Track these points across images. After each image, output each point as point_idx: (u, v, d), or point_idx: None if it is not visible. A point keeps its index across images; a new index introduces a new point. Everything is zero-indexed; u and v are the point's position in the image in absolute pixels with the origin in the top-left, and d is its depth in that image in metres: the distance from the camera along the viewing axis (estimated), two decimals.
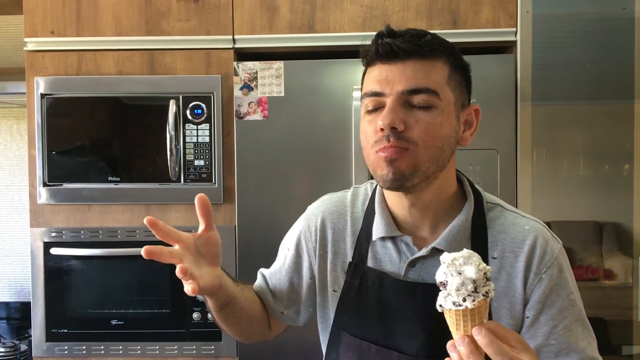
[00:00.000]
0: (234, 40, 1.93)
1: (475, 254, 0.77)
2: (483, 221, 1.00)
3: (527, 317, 0.96)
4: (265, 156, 1.88)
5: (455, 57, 0.96)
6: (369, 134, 0.94)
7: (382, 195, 1.05)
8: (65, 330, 1.97)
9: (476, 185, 1.05)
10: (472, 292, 0.74)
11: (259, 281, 1.18)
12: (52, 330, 1.97)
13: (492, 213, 1.01)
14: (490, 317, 0.94)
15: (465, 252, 0.77)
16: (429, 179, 0.95)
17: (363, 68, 1.00)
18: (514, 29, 1.87)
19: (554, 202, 2.07)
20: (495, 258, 0.97)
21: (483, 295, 0.74)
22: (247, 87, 1.86)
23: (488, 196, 1.05)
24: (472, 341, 0.74)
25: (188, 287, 0.85)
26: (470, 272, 0.74)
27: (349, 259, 1.05)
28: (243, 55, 1.97)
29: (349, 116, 1.83)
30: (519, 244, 0.97)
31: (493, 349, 0.72)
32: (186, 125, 1.91)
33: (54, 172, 1.95)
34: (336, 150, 1.85)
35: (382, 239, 1.02)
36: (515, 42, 1.88)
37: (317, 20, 1.91)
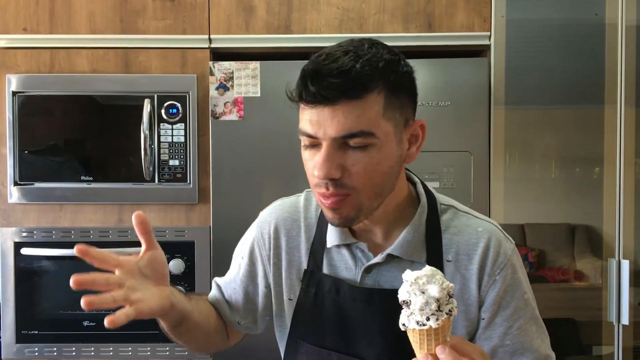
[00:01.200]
0: (209, 40, 1.92)
1: (439, 271, 0.76)
2: (437, 224, 0.99)
3: (483, 319, 0.96)
4: (241, 156, 1.87)
5: (393, 76, 0.88)
6: (309, 171, 0.91)
7: None
8: (36, 332, 1.93)
9: (429, 187, 1.03)
10: (436, 311, 0.73)
11: (213, 291, 1.15)
12: (23, 332, 1.93)
13: (446, 215, 1.00)
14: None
15: (429, 270, 0.76)
16: (375, 210, 0.93)
17: None
18: (488, 33, 1.89)
19: (526, 205, 2.10)
20: (449, 261, 0.97)
21: (447, 313, 0.74)
22: (223, 87, 1.86)
23: (441, 197, 1.03)
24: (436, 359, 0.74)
25: (108, 319, 0.78)
26: (434, 291, 0.73)
27: (304, 266, 1.04)
28: (219, 55, 1.96)
29: None
30: (472, 246, 0.97)
31: None
32: (161, 124, 1.89)
33: (26, 171, 1.92)
34: None
35: (337, 246, 1.01)
36: (489, 46, 1.90)
37: (294, 21, 1.92)
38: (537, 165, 1.99)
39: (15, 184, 1.91)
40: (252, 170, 1.88)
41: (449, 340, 0.75)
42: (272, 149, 1.87)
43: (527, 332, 0.96)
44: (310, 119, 0.87)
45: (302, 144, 0.92)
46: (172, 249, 1.91)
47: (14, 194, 1.91)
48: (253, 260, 1.09)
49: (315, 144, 0.89)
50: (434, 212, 1.00)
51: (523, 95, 1.94)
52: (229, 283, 1.13)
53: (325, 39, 1.90)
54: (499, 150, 1.88)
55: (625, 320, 1.92)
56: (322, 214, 1.05)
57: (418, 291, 0.74)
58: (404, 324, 0.76)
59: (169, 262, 1.90)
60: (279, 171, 1.87)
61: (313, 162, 0.89)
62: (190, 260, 1.92)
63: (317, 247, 1.03)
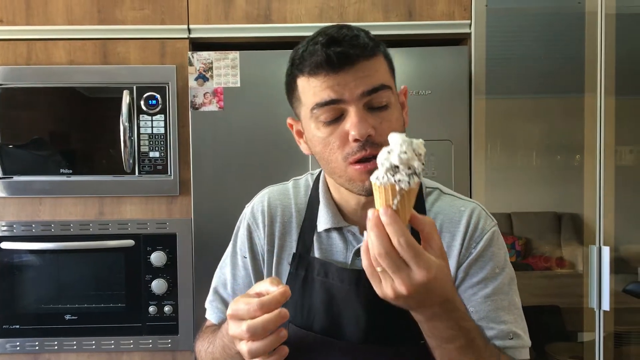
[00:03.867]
0: (189, 30, 1.90)
1: (421, 150, 0.76)
2: (422, 206, 1.01)
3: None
4: (221, 147, 1.86)
5: (384, 47, 0.95)
6: (334, 146, 0.91)
7: (327, 186, 1.04)
8: (17, 326, 1.92)
9: None
10: (408, 174, 0.74)
11: (218, 313, 1.10)
12: (4, 327, 1.92)
13: (431, 197, 1.03)
14: None
15: (415, 143, 0.75)
16: None
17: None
18: (469, 22, 1.89)
19: (508, 193, 2.10)
20: None
21: (415, 174, 0.74)
22: (202, 78, 1.84)
23: (426, 181, 1.07)
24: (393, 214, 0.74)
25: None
26: (407, 156, 0.74)
27: (294, 250, 1.04)
28: (198, 45, 1.95)
29: None
30: (455, 224, 0.99)
31: (392, 228, 0.72)
32: (140, 116, 1.88)
33: (4, 164, 1.89)
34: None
35: (327, 230, 1.02)
36: (469, 35, 1.89)
37: (274, 10, 1.90)
38: (518, 154, 2.00)
39: None
40: (233, 162, 1.86)
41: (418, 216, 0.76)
42: (252, 140, 1.86)
43: (496, 304, 0.96)
44: (331, 84, 0.89)
45: (318, 122, 0.92)
46: (153, 241, 1.90)
47: None
48: (255, 254, 1.08)
49: (337, 115, 0.90)
50: (419, 194, 1.01)
51: (504, 84, 1.95)
52: (238, 292, 1.08)
53: (306, 28, 1.89)
54: (480, 139, 1.88)
55: (605, 306, 1.93)
56: (311, 198, 1.06)
57: (402, 153, 0.74)
58: (377, 178, 0.75)
59: (150, 255, 1.89)
60: (260, 162, 1.86)
61: (339, 135, 0.90)
62: (172, 252, 1.90)
63: (307, 230, 1.04)
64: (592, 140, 1.91)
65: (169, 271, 1.90)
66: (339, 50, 0.87)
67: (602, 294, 1.93)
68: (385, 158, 0.75)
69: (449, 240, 0.99)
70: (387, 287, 0.75)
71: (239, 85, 1.84)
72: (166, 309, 1.91)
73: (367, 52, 0.90)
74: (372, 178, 0.76)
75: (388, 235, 0.73)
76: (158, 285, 1.89)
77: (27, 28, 1.91)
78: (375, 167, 0.88)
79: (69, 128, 1.94)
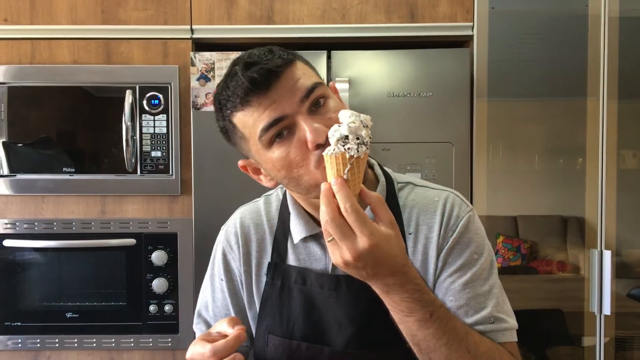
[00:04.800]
0: (192, 30, 1.91)
1: (363, 117, 0.81)
2: (395, 201, 1.00)
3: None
4: (222, 148, 1.85)
5: (296, 53, 0.94)
6: (298, 161, 0.88)
7: (293, 198, 1.02)
8: (19, 323, 1.94)
9: (385, 168, 1.05)
10: (357, 143, 0.79)
11: None
12: (5, 324, 1.93)
13: (403, 192, 1.02)
14: None
15: (362, 116, 0.81)
16: None
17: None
18: (471, 24, 1.89)
19: (510, 196, 2.09)
20: (410, 234, 0.98)
21: (364, 144, 0.79)
22: (204, 78, 1.85)
23: (398, 176, 1.05)
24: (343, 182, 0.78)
25: None
26: (356, 125, 0.80)
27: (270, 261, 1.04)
28: (201, 45, 1.96)
29: None
30: (430, 215, 0.98)
31: (340, 195, 0.76)
32: (143, 115, 1.89)
33: (10, 162, 1.91)
34: None
35: (304, 239, 1.01)
36: (472, 37, 1.89)
37: (276, 11, 1.91)
38: (520, 157, 1.99)
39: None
40: (234, 162, 1.85)
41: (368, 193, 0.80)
42: None
43: (475, 290, 0.94)
44: (269, 106, 0.87)
45: (268, 144, 0.89)
46: (155, 240, 1.91)
47: None
48: (231, 277, 1.07)
49: (285, 127, 0.87)
50: (391, 190, 1.01)
51: (506, 86, 1.94)
52: (218, 315, 1.09)
53: (308, 29, 1.89)
54: (482, 141, 1.87)
55: (607, 310, 1.92)
56: (282, 209, 1.06)
57: (348, 127, 0.80)
58: (328, 152, 0.80)
59: (151, 254, 1.90)
60: None
61: (299, 147, 0.87)
62: (173, 251, 1.91)
63: (280, 240, 1.03)
64: (595, 144, 1.90)
65: (169, 270, 1.91)
66: (259, 68, 0.86)
67: (603, 298, 1.92)
68: (335, 130, 0.80)
69: (427, 232, 0.97)
70: (337, 255, 0.78)
71: None
72: (167, 308, 1.92)
73: (285, 61, 0.88)
74: (324, 152, 0.80)
75: (336, 203, 0.77)
76: (159, 284, 1.90)
77: (31, 27, 1.92)
78: None
79: (72, 127, 1.96)
